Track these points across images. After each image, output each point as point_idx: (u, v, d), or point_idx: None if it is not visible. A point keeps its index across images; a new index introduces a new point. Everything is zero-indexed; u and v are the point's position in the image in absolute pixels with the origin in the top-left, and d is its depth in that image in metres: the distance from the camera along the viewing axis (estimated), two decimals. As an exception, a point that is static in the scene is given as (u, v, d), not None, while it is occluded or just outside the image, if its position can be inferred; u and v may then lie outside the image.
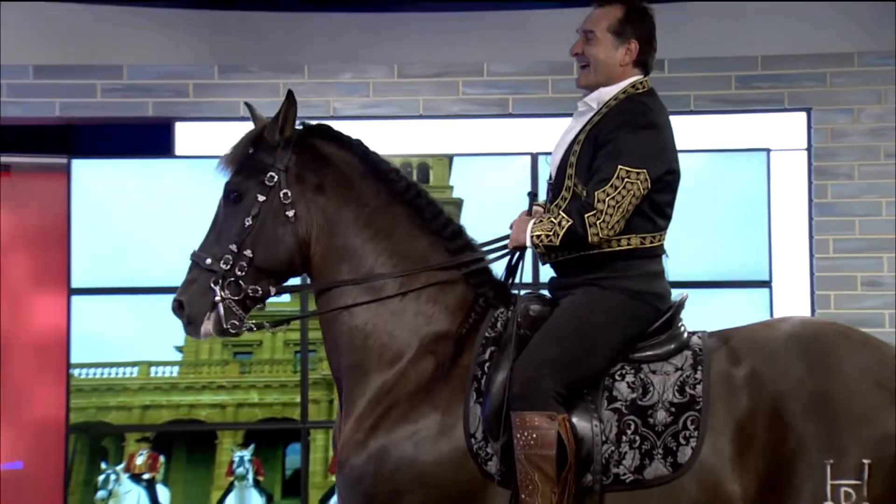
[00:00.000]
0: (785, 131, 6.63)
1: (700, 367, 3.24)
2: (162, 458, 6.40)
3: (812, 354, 3.21)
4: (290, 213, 3.36)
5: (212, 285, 3.34)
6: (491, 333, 3.31)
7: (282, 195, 3.36)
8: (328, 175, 3.43)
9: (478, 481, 3.22)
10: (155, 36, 7.02)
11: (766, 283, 6.24)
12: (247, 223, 3.35)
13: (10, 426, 6.78)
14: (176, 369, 6.44)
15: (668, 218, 3.39)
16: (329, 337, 3.46)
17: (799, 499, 3.12)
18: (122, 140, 6.77)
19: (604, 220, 3.18)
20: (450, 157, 6.24)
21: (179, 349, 6.42)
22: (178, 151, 6.48)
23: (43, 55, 6.82)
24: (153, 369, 6.43)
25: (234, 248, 3.34)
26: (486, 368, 3.27)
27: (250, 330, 3.41)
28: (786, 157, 6.57)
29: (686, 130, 6.26)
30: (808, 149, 6.58)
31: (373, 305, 3.34)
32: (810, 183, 6.55)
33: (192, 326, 3.38)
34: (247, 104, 3.57)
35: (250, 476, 6.35)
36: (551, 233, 3.24)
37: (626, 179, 3.19)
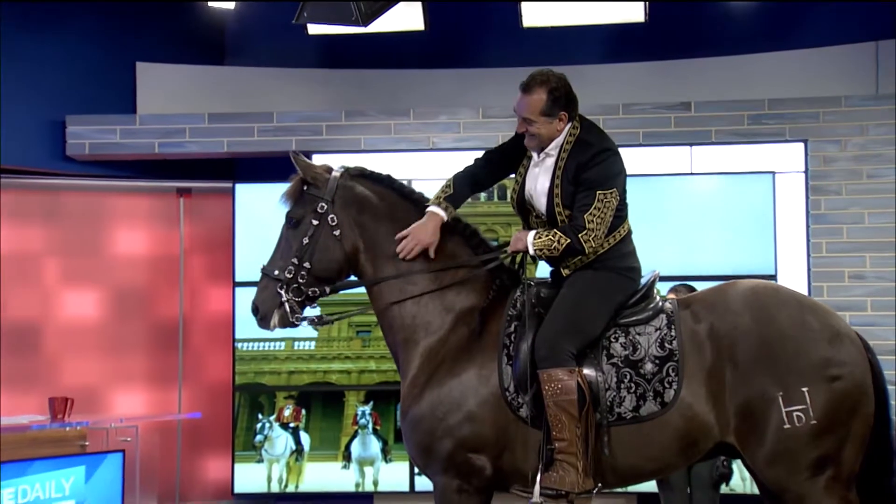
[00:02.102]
0: (787, 158, 7.16)
1: (673, 326, 3.63)
2: (303, 411, 7.15)
3: (754, 309, 3.58)
4: (337, 233, 3.74)
5: (279, 290, 3.70)
6: (513, 311, 3.70)
7: (329, 219, 3.74)
8: (365, 202, 3.79)
9: (512, 422, 3.61)
10: (297, 89, 7.86)
11: (773, 277, 6.81)
12: (304, 242, 3.73)
13: (191, 385, 7.54)
14: (313, 343, 7.18)
15: (626, 207, 3.78)
16: (384, 322, 3.81)
17: (766, 426, 3.49)
18: (273, 168, 7.05)
19: (595, 236, 3.63)
20: (521, 179, 6.98)
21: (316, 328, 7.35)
22: (314, 178, 7.25)
23: (214, 106, 7.71)
24: (296, 343, 7.17)
25: (295, 261, 3.72)
26: (512, 338, 3.65)
27: (311, 324, 3.80)
28: (787, 179, 7.13)
29: (709, 157, 7.20)
30: (806, 172, 7.11)
31: (416, 293, 3.73)
32: (807, 198, 7.07)
33: (263, 321, 3.75)
34: (292, 153, 3.87)
35: (370, 426, 7.10)
36: (552, 248, 3.65)
37: (604, 201, 3.62)
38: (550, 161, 3.75)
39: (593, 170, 3.65)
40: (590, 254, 3.66)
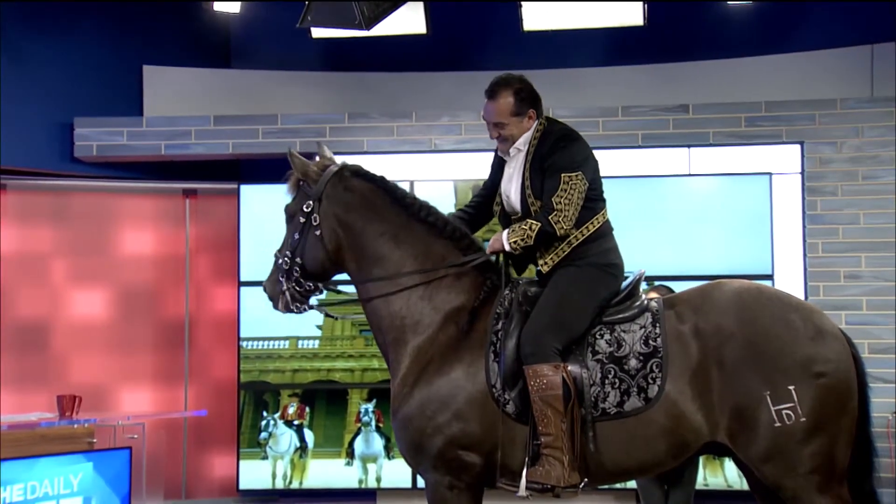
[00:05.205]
0: (783, 159, 7.27)
1: (658, 324, 3.65)
2: (307, 409, 7.25)
3: (738, 310, 3.60)
4: (318, 232, 3.78)
5: (280, 278, 3.82)
6: (501, 309, 3.72)
7: (313, 218, 3.78)
8: (355, 201, 3.81)
9: (499, 418, 3.63)
10: (301, 92, 7.94)
11: (770, 277, 6.92)
12: (296, 237, 3.82)
13: (197, 383, 7.65)
14: (317, 342, 7.28)
15: (601, 199, 3.82)
16: (373, 322, 3.82)
17: (757, 425, 3.51)
18: (277, 169, 6.84)
19: (564, 216, 3.67)
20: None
21: (319, 327, 7.19)
22: (318, 178, 7.27)
23: (220, 108, 7.80)
24: (300, 342, 7.29)
25: (289, 254, 3.83)
26: (499, 336, 3.68)
27: (304, 311, 3.85)
28: (784, 180, 7.23)
29: (707, 159, 7.31)
30: (802, 173, 7.21)
31: (404, 293, 3.75)
32: (803, 199, 7.18)
33: (273, 303, 3.88)
34: (289, 150, 3.94)
35: (373, 423, 7.20)
36: (525, 236, 3.71)
37: (569, 183, 3.68)
38: (521, 157, 3.83)
39: (556, 155, 3.73)
40: (561, 235, 3.70)
